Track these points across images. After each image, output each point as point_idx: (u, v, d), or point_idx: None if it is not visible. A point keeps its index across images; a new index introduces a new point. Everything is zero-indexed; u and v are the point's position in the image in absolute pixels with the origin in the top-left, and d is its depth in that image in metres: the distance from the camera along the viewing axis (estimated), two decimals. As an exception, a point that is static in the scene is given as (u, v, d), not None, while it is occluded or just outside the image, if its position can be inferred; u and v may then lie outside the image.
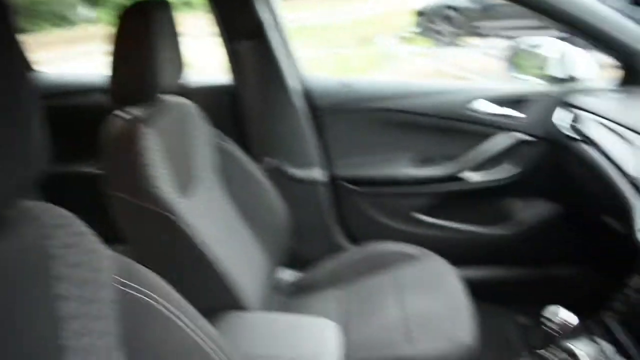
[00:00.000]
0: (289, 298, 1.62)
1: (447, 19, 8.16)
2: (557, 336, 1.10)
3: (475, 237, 1.97)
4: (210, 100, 1.58)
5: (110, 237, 0.70)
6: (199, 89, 1.90)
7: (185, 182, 1.23)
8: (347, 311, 1.48)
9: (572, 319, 1.08)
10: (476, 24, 7.84)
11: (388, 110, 1.93)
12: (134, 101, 1.18)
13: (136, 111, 1.22)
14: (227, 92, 1.98)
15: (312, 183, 1.95)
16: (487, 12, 7.67)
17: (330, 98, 1.94)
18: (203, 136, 1.39)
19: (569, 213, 1.90)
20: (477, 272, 1.96)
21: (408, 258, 1.64)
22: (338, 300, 1.54)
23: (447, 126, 1.91)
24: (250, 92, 1.92)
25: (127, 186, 1.10)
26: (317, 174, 1.95)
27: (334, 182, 1.98)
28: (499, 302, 1.96)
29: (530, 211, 1.94)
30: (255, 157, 1.63)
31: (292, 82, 1.89)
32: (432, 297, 1.48)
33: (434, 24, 8.33)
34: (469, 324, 1.36)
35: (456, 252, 1.76)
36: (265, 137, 1.95)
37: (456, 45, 7.78)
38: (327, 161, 1.97)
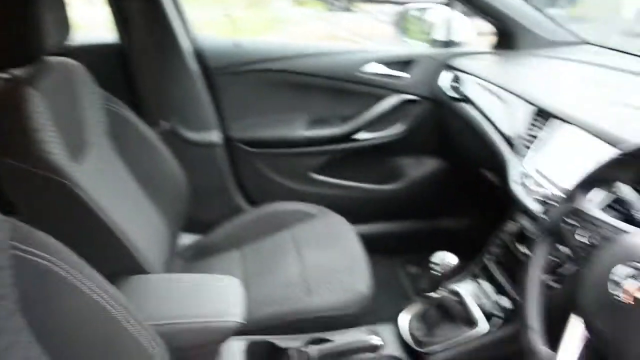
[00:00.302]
0: (190, 262, 1.62)
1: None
2: (443, 278, 1.21)
3: (368, 194, 2.07)
4: (98, 60, 1.49)
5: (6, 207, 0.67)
6: (85, 48, 1.79)
7: (76, 147, 1.17)
8: (248, 270, 1.51)
9: (454, 261, 1.19)
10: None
11: (281, 71, 1.94)
12: (16, 62, 1.11)
13: (19, 72, 1.14)
14: (115, 52, 1.89)
15: (208, 146, 1.93)
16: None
17: (223, 59, 1.91)
18: (92, 99, 1.32)
19: (452, 168, 2.05)
20: (372, 227, 2.08)
21: (306, 216, 1.69)
22: (239, 260, 1.57)
23: (340, 88, 1.96)
24: (140, 53, 1.84)
25: (16, 151, 1.03)
26: (213, 136, 1.93)
27: (230, 144, 1.97)
28: (392, 254, 2.10)
29: (418, 167, 2.08)
30: (149, 120, 1.57)
31: (184, 43, 1.84)
32: (330, 252, 1.54)
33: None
34: (365, 275, 1.43)
35: (352, 209, 1.84)
36: (158, 99, 1.89)
37: (349, 10, 7.87)
38: (223, 123, 1.95)
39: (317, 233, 1.62)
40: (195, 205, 1.67)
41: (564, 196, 0.91)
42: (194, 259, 1.63)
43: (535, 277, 0.90)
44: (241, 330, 1.27)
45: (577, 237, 0.85)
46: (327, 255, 1.52)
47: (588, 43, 1.91)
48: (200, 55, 1.89)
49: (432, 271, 1.21)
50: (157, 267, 1.29)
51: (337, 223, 1.67)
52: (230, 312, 1.08)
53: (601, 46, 1.88)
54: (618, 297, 0.73)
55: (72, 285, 0.57)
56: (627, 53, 1.72)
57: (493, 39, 1.96)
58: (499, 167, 1.42)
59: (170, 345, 0.79)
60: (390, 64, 1.95)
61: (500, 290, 1.32)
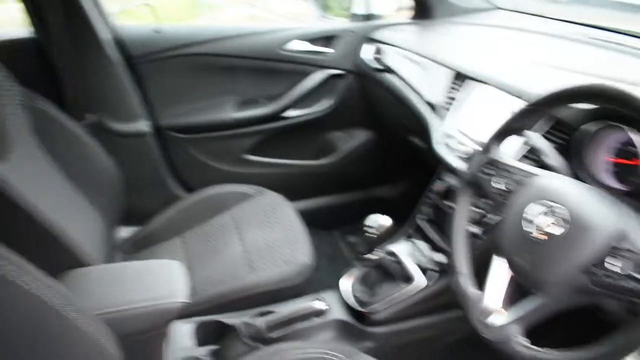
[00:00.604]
0: (131, 254, 1.60)
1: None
2: (378, 240, 1.27)
3: (303, 170, 2.11)
4: (14, 56, 1.44)
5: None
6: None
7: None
8: (190, 255, 1.51)
9: (388, 222, 1.24)
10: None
11: (205, 54, 1.92)
12: None
13: None
14: (32, 46, 1.81)
15: (138, 136, 1.90)
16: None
17: (145, 46, 1.88)
18: (11, 96, 1.28)
19: (381, 138, 2.12)
20: (310, 202, 2.13)
21: (243, 197, 1.70)
22: (180, 246, 1.57)
23: (265, 67, 1.98)
24: (58, 46, 1.78)
25: None
26: (141, 126, 1.89)
27: (161, 133, 1.94)
28: (332, 226, 2.16)
29: (349, 140, 2.14)
30: (74, 114, 1.53)
31: (103, 33, 1.80)
32: (270, 229, 1.57)
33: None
34: (306, 247, 1.47)
35: (288, 186, 1.88)
36: (82, 92, 1.84)
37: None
38: (151, 112, 1.92)
39: (256, 212, 1.65)
40: (131, 197, 1.65)
41: (480, 149, 0.98)
42: (134, 251, 1.62)
43: (460, 225, 0.97)
44: (189, 312, 1.29)
45: (494, 185, 0.92)
46: (268, 232, 1.55)
47: (500, 8, 2.00)
48: (120, 45, 1.84)
49: (367, 234, 1.27)
50: (97, 260, 1.27)
51: (275, 201, 1.69)
52: (174, 294, 1.09)
53: (513, 11, 1.97)
54: (532, 233, 0.80)
55: (10, 281, 0.56)
56: (537, 15, 1.83)
57: (411, 10, 2.03)
58: (424, 132, 1.49)
59: (118, 333, 0.80)
60: (313, 40, 1.98)
61: (434, 246, 1.39)
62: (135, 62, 1.86)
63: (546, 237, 0.79)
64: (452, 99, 1.43)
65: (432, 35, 1.84)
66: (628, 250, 0.71)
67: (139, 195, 1.79)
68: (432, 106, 1.50)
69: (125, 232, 1.70)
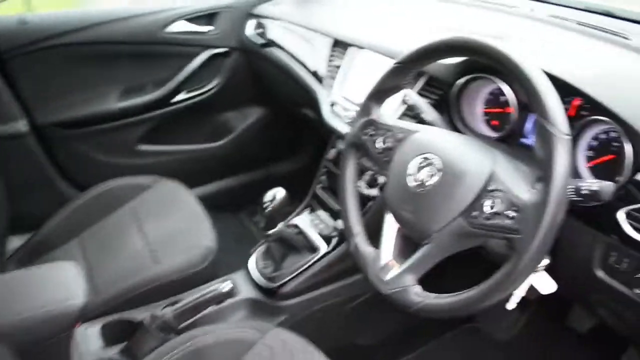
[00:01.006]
0: (24, 264, 1.50)
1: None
2: (277, 213, 1.27)
3: (199, 154, 2.07)
4: None
5: None
6: None
7: None
8: (90, 255, 1.44)
9: (282, 194, 1.25)
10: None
11: (82, 43, 1.80)
12: None
13: None
14: None
15: (16, 137, 1.76)
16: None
17: (10, 40, 1.72)
18: None
19: (275, 113, 2.12)
20: (211, 187, 2.09)
21: (140, 189, 1.64)
22: (78, 248, 1.49)
23: (148, 52, 1.90)
24: None
25: None
26: (18, 126, 1.76)
27: (42, 131, 1.81)
28: (237, 208, 2.14)
29: (243, 119, 2.12)
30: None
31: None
32: (171, 217, 1.53)
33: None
34: (209, 231, 1.45)
35: (186, 173, 1.83)
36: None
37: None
38: (27, 110, 1.78)
39: (155, 202, 1.60)
40: (19, 204, 1.55)
41: (358, 112, 1.00)
42: (29, 260, 1.51)
43: (348, 187, 0.99)
44: (95, 314, 1.24)
45: (377, 145, 0.94)
46: (169, 222, 1.51)
47: None
48: None
49: (267, 209, 1.26)
50: None
51: (173, 189, 1.65)
52: (70, 296, 1.04)
53: None
54: (414, 186, 0.84)
55: None
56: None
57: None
58: (314, 103, 1.50)
59: (17, 345, 0.75)
60: (194, 19, 1.92)
61: (334, 214, 1.41)
62: (2, 58, 1.72)
63: (426, 188, 0.82)
64: (338, 67, 1.45)
65: (313, 7, 1.84)
66: (499, 190, 0.76)
67: (27, 201, 1.68)
68: (318, 76, 1.51)
69: (16, 241, 1.59)
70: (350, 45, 1.40)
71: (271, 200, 1.26)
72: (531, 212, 0.70)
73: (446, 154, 0.83)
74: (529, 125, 1.04)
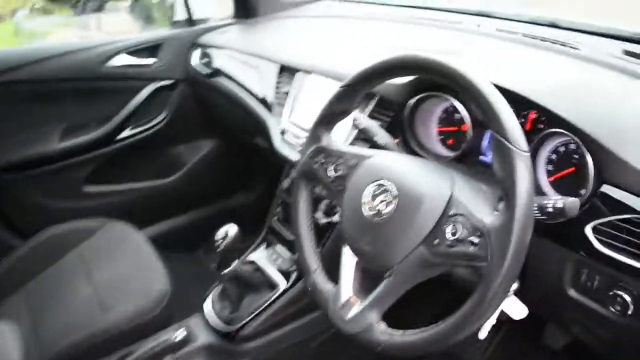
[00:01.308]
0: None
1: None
2: (230, 251, 1.19)
3: (150, 192, 1.97)
4: None
5: None
6: None
7: None
8: (35, 308, 1.33)
9: (234, 230, 1.17)
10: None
11: (16, 82, 1.70)
12: None
13: None
14: None
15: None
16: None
17: None
18: None
19: (227, 145, 2.05)
20: (163, 225, 1.99)
21: (87, 233, 1.54)
22: (22, 303, 1.37)
23: (89, 88, 1.80)
24: None
25: None
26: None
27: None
28: (193, 246, 2.04)
29: (194, 152, 2.03)
30: None
31: None
32: (120, 262, 1.43)
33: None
34: (161, 274, 1.36)
35: (137, 212, 1.74)
36: None
37: (102, 10, 7.37)
38: None
39: (103, 247, 1.50)
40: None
41: (307, 139, 0.94)
42: None
43: (302, 220, 0.93)
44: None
45: (328, 173, 0.88)
46: (118, 267, 1.42)
47: None
48: None
49: (219, 248, 1.19)
50: None
51: (122, 231, 1.55)
52: None
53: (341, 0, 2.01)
54: (370, 215, 0.78)
55: None
56: (365, 2, 1.89)
57: (234, 11, 1.97)
58: (265, 132, 1.44)
59: None
60: (136, 52, 1.85)
61: (292, 247, 1.34)
62: None
63: (382, 217, 0.76)
64: (286, 93, 1.40)
65: (258, 33, 1.81)
66: (459, 214, 0.70)
67: None
68: (267, 104, 1.46)
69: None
70: (297, 70, 1.36)
71: (223, 238, 1.18)
72: (496, 237, 0.65)
73: (401, 179, 0.77)
74: (485, 142, 1.01)
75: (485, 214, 0.68)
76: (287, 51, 1.49)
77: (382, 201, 0.77)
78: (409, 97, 1.05)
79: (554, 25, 1.30)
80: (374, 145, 0.98)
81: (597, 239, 0.76)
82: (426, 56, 0.78)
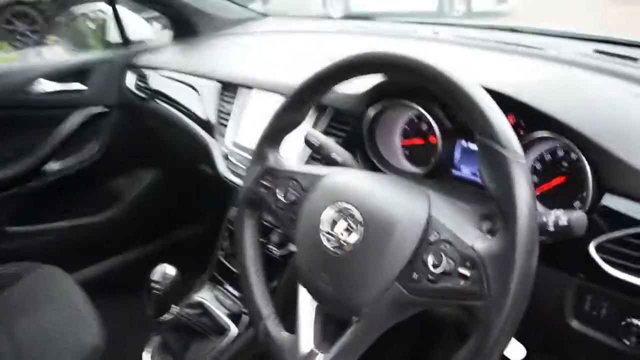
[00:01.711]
0: None
1: (24, 17, 7.32)
2: (168, 295, 1.02)
3: (85, 231, 1.76)
4: None
5: None
6: None
7: None
8: None
9: (172, 272, 1.01)
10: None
11: None
12: None
13: None
14: None
15: None
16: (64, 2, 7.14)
17: None
18: None
19: (170, 173, 1.87)
20: (98, 268, 1.78)
21: (11, 279, 1.34)
22: None
23: (10, 116, 1.61)
24: None
25: None
26: None
27: None
28: (134, 289, 1.83)
29: (133, 184, 1.84)
30: None
31: None
32: (48, 312, 1.25)
33: (11, 25, 7.38)
34: (93, 325, 1.18)
35: (68, 254, 1.55)
36: None
37: (44, 43, 7.06)
38: None
39: (28, 295, 1.31)
40: None
41: (251, 159, 0.79)
42: None
43: (249, 257, 0.77)
44: None
45: (278, 197, 0.74)
46: (45, 318, 1.23)
47: (269, 15, 1.91)
48: None
49: (154, 291, 1.01)
50: None
51: (51, 276, 1.36)
52: None
53: (282, 16, 1.96)
54: (330, 247, 0.63)
55: None
56: (310, 17, 1.78)
57: (171, 29, 1.83)
58: (208, 157, 1.29)
59: None
60: (64, 77, 1.67)
61: (236, 287, 1.18)
62: None
63: (346, 249, 0.62)
64: (229, 113, 1.25)
65: (197, 51, 1.66)
66: (443, 241, 0.56)
67: None
68: (208, 126, 1.31)
69: None
70: (239, 86, 1.22)
71: (160, 280, 1.01)
72: (494, 267, 0.52)
73: (366, 201, 0.63)
74: (458, 154, 0.88)
75: (475, 238, 0.55)
76: (228, 67, 1.36)
77: (344, 229, 0.62)
78: (368, 107, 0.92)
79: (514, 30, 1.24)
80: (331, 163, 0.83)
81: (603, 259, 0.63)
82: (392, 52, 0.65)
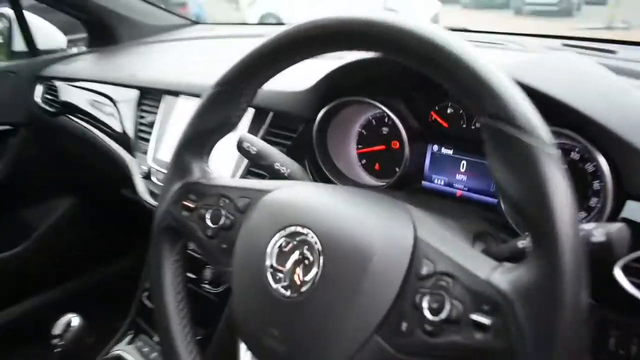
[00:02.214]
0: None
1: None
2: (73, 350, 0.81)
3: None
4: None
5: None
6: None
7: None
8: None
9: (76, 322, 0.80)
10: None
11: None
12: None
13: None
14: None
15: None
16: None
17: None
18: None
19: (89, 201, 1.63)
20: (6, 313, 1.50)
21: None
22: None
23: None
24: None
25: None
26: None
27: None
28: (41, 338, 1.56)
29: (46, 214, 1.59)
30: None
31: None
32: None
33: None
34: None
35: None
36: None
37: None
38: None
39: None
40: None
41: (170, 174, 0.60)
42: None
43: (168, 302, 0.57)
44: None
45: (206, 222, 0.55)
46: None
47: (198, 23, 1.77)
48: None
49: (56, 348, 0.80)
50: None
51: None
52: None
53: (212, 23, 1.82)
54: (279, 290, 0.45)
55: None
56: (238, 24, 1.63)
57: (89, 39, 1.62)
58: (128, 177, 1.09)
59: None
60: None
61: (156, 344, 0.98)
62: None
63: (301, 291, 0.44)
64: (151, 124, 1.06)
65: (115, 59, 1.46)
66: (441, 273, 0.40)
67: None
68: (127, 141, 1.11)
69: None
70: (163, 93, 1.03)
71: (62, 333, 0.80)
72: (527, 309, 0.35)
73: (327, 223, 0.45)
74: (428, 161, 0.73)
75: (491, 269, 0.38)
76: (151, 73, 1.17)
77: (298, 263, 0.45)
78: (317, 108, 0.76)
79: (465, 30, 1.18)
80: (274, 176, 0.66)
81: (633, 283, 0.49)
82: (365, 15, 0.46)
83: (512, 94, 0.37)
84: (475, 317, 0.37)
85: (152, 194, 0.99)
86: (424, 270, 0.40)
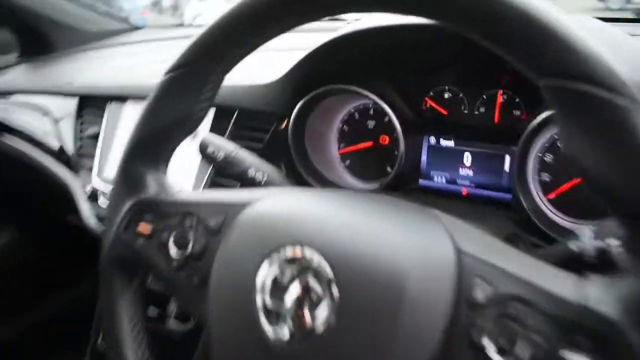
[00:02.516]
0: None
1: None
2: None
3: None
4: None
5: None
6: None
7: None
8: None
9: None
10: None
11: None
12: None
13: None
14: None
15: None
16: None
17: None
18: None
19: (30, 232, 1.45)
20: None
21: None
22: None
23: None
24: None
25: None
26: None
27: None
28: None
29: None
30: None
31: None
32: None
33: None
34: None
35: None
36: None
37: None
38: None
39: None
40: None
41: (113, 189, 0.47)
42: None
43: (123, 354, 0.45)
44: None
45: (170, 250, 0.43)
46: None
47: (141, 28, 1.63)
48: None
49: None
50: None
51: None
52: None
53: (157, 27, 1.69)
54: (278, 332, 0.34)
55: None
56: (190, 26, 1.59)
57: (19, 46, 1.46)
58: (70, 201, 0.95)
59: None
60: None
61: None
62: None
63: (312, 335, 0.32)
64: (95, 137, 0.92)
65: (52, 68, 1.31)
66: (504, 296, 0.29)
67: None
68: (67, 159, 0.97)
69: None
70: (108, 99, 0.90)
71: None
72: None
73: (336, 240, 0.34)
74: (424, 156, 0.63)
75: (572, 284, 0.27)
76: (93, 79, 1.03)
77: (301, 298, 0.33)
78: (292, 102, 0.64)
79: None
80: (246, 184, 0.54)
81: None
82: None
83: (591, 47, 0.27)
84: (567, 355, 0.26)
85: (100, 218, 0.85)
86: (479, 296, 0.29)
